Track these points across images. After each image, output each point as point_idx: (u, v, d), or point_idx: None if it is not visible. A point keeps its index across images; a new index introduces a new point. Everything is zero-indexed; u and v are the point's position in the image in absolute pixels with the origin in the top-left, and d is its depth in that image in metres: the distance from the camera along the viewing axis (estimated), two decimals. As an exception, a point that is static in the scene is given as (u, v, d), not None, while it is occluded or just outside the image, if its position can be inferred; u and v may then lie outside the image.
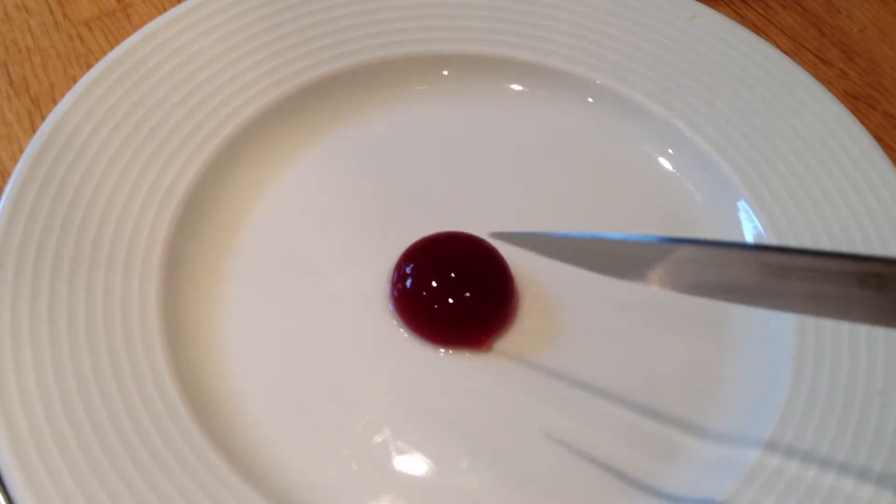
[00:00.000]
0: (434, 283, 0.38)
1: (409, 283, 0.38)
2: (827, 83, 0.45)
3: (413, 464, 0.35)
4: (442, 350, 0.37)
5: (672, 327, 0.39)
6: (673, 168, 0.44)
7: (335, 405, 0.36)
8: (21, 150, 0.42)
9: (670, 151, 0.44)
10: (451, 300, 0.37)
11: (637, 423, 0.36)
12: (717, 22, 0.46)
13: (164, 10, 0.47)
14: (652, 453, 0.36)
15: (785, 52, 0.46)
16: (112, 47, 0.45)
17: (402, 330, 0.38)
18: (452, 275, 0.38)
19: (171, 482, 0.32)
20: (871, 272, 0.25)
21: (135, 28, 0.46)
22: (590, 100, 0.45)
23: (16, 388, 0.32)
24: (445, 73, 0.45)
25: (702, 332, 0.39)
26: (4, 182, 0.41)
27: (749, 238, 0.41)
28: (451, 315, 0.37)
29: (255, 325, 0.38)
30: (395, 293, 0.38)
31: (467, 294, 0.37)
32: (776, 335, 0.37)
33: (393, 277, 0.39)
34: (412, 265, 0.38)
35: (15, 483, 0.31)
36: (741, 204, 0.41)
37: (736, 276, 0.27)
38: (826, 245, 0.39)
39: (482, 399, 0.37)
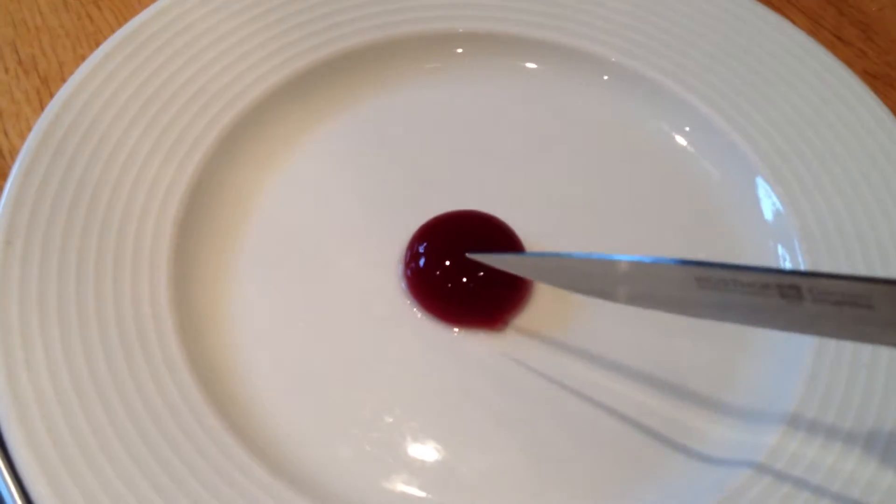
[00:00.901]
0: (448, 262, 0.37)
1: (422, 261, 0.37)
2: (846, 62, 0.45)
3: (426, 444, 0.34)
4: (456, 329, 0.37)
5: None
6: (690, 146, 0.43)
7: (348, 386, 0.35)
8: (29, 129, 0.41)
9: (687, 129, 0.43)
10: (465, 279, 0.37)
11: (653, 404, 0.36)
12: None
13: (174, -12, 0.46)
14: (668, 433, 0.35)
15: (803, 31, 0.45)
16: (121, 26, 0.44)
17: (415, 309, 0.37)
18: (466, 253, 0.37)
19: (183, 462, 0.31)
20: (790, 284, 0.27)
21: (144, 7, 0.46)
22: (605, 78, 0.44)
23: (25, 369, 0.32)
24: (460, 51, 0.45)
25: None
26: (14, 160, 0.40)
27: (769, 216, 0.40)
28: (466, 294, 0.37)
29: (266, 304, 0.37)
30: (409, 272, 0.38)
31: (481, 273, 0.37)
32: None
33: (406, 256, 0.38)
34: (425, 244, 0.38)
35: (25, 463, 0.30)
36: (759, 181, 0.41)
37: (673, 289, 0.30)
38: (846, 220, 0.38)
39: (496, 379, 0.36)
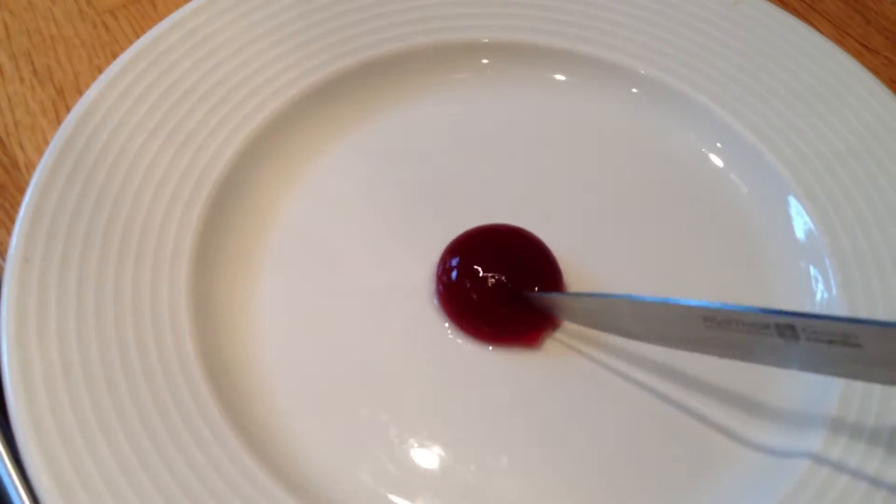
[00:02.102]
0: (483, 278, 0.36)
1: (455, 277, 0.37)
2: (873, 71, 0.44)
3: (454, 466, 0.34)
4: (490, 347, 0.36)
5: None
6: (720, 161, 0.42)
7: (374, 404, 0.35)
8: (46, 141, 0.41)
9: (718, 145, 0.43)
10: (500, 298, 0.36)
11: (687, 423, 0.35)
12: (761, 8, 0.45)
13: (191, -3, 0.46)
14: (708, 446, 0.35)
15: (829, 39, 0.45)
16: (137, 36, 0.44)
17: (446, 325, 0.37)
18: (502, 269, 0.36)
19: (197, 477, 0.31)
20: (785, 324, 0.30)
21: (160, 16, 0.45)
22: (634, 90, 0.44)
23: (43, 382, 0.31)
24: (485, 61, 0.44)
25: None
26: (30, 174, 0.40)
27: (800, 234, 0.39)
28: (502, 314, 0.36)
29: (289, 320, 0.37)
30: (441, 288, 0.37)
31: (517, 289, 0.36)
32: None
33: (437, 270, 0.37)
34: (459, 258, 0.37)
35: (40, 477, 0.30)
36: (791, 199, 0.40)
37: (682, 328, 0.32)
38: (878, 239, 0.38)
39: (530, 399, 0.35)
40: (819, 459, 0.33)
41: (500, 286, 0.36)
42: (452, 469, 0.33)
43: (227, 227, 0.38)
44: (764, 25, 0.44)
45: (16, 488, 0.33)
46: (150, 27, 0.42)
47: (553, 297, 0.36)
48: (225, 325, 0.36)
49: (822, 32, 0.47)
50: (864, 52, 0.48)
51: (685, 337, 0.33)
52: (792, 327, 0.30)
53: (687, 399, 0.36)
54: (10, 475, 0.33)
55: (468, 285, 0.36)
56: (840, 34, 0.49)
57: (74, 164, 0.37)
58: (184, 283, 0.35)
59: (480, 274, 0.36)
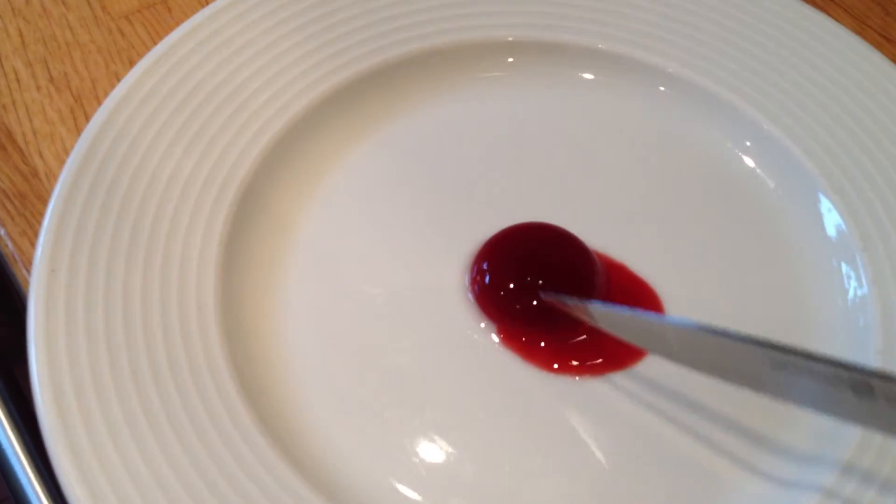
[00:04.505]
0: (526, 282, 0.36)
1: (493, 277, 0.37)
2: (894, 62, 0.44)
3: (488, 473, 0.33)
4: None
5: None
6: (749, 159, 0.42)
7: (401, 405, 0.35)
8: (65, 149, 0.41)
9: (747, 143, 0.42)
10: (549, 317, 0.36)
11: (705, 449, 0.34)
12: (784, 2, 0.44)
13: (206, 1, 0.45)
14: (710, 483, 0.34)
15: (853, 32, 0.44)
16: (154, 41, 0.44)
17: (482, 325, 0.36)
18: (544, 272, 0.36)
19: (228, 482, 0.31)
20: (862, 382, 0.27)
21: (176, 20, 0.45)
22: (661, 88, 0.43)
23: (75, 400, 0.31)
24: (511, 60, 0.44)
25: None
26: (50, 182, 0.39)
27: (832, 232, 0.39)
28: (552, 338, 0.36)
29: (315, 319, 0.36)
30: (477, 288, 0.37)
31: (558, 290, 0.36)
32: (863, 332, 0.36)
33: (472, 271, 0.37)
34: (499, 257, 0.37)
35: (71, 485, 0.29)
36: (821, 196, 0.40)
37: (745, 364, 0.29)
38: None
39: (567, 410, 0.35)
40: (830, 495, 0.32)
41: (539, 288, 0.36)
42: (482, 474, 0.33)
43: (252, 231, 0.38)
44: (786, 19, 0.44)
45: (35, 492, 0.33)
46: (165, 32, 0.42)
47: (603, 309, 0.34)
48: (253, 327, 0.36)
49: (841, 23, 0.47)
50: (884, 43, 0.48)
51: (747, 375, 0.30)
52: (869, 386, 0.27)
53: (697, 425, 0.35)
54: (30, 482, 0.33)
55: (510, 286, 0.36)
56: (860, 26, 0.48)
57: (96, 174, 0.36)
58: (211, 287, 0.35)
59: (522, 278, 0.36)
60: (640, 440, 0.34)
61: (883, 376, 0.27)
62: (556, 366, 0.35)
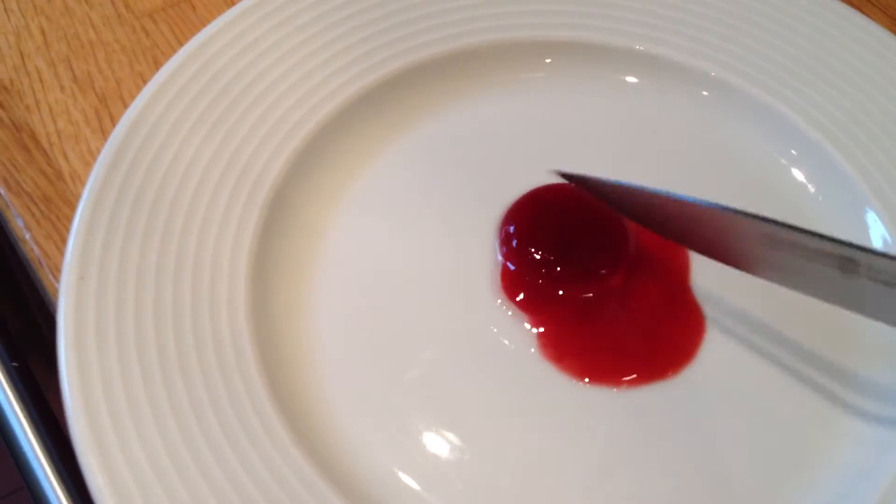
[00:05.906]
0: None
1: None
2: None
3: (526, 486, 0.33)
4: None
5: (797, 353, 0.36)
6: (793, 168, 0.41)
7: (430, 406, 0.34)
8: (90, 151, 0.40)
9: (793, 152, 0.41)
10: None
11: (741, 469, 0.34)
12: (822, 3, 0.43)
13: (232, 0, 0.45)
14: (798, 450, 0.34)
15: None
16: (178, 40, 0.43)
17: (516, 331, 0.36)
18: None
19: (257, 486, 0.30)
20: (848, 256, 0.29)
21: (200, 18, 0.45)
22: (704, 93, 0.42)
23: (105, 408, 0.31)
24: (548, 61, 0.43)
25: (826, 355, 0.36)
26: (75, 184, 0.39)
27: (877, 243, 0.38)
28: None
29: (345, 319, 0.36)
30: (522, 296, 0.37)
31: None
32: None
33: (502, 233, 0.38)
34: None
35: (98, 486, 0.29)
36: (867, 209, 0.39)
37: (739, 243, 0.32)
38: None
39: (607, 424, 0.34)
40: None
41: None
42: (519, 487, 0.33)
43: (282, 233, 0.37)
44: (828, 21, 0.43)
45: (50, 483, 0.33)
46: (190, 31, 0.42)
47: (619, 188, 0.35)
48: (284, 331, 0.35)
49: (877, 22, 0.46)
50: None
51: (740, 252, 0.32)
52: (853, 261, 0.29)
53: (729, 440, 0.34)
54: (44, 472, 0.33)
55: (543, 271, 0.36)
56: (895, 25, 0.47)
57: (124, 179, 0.36)
58: (242, 289, 0.35)
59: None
60: (680, 453, 0.34)
61: (865, 250, 0.29)
62: (587, 380, 0.35)
